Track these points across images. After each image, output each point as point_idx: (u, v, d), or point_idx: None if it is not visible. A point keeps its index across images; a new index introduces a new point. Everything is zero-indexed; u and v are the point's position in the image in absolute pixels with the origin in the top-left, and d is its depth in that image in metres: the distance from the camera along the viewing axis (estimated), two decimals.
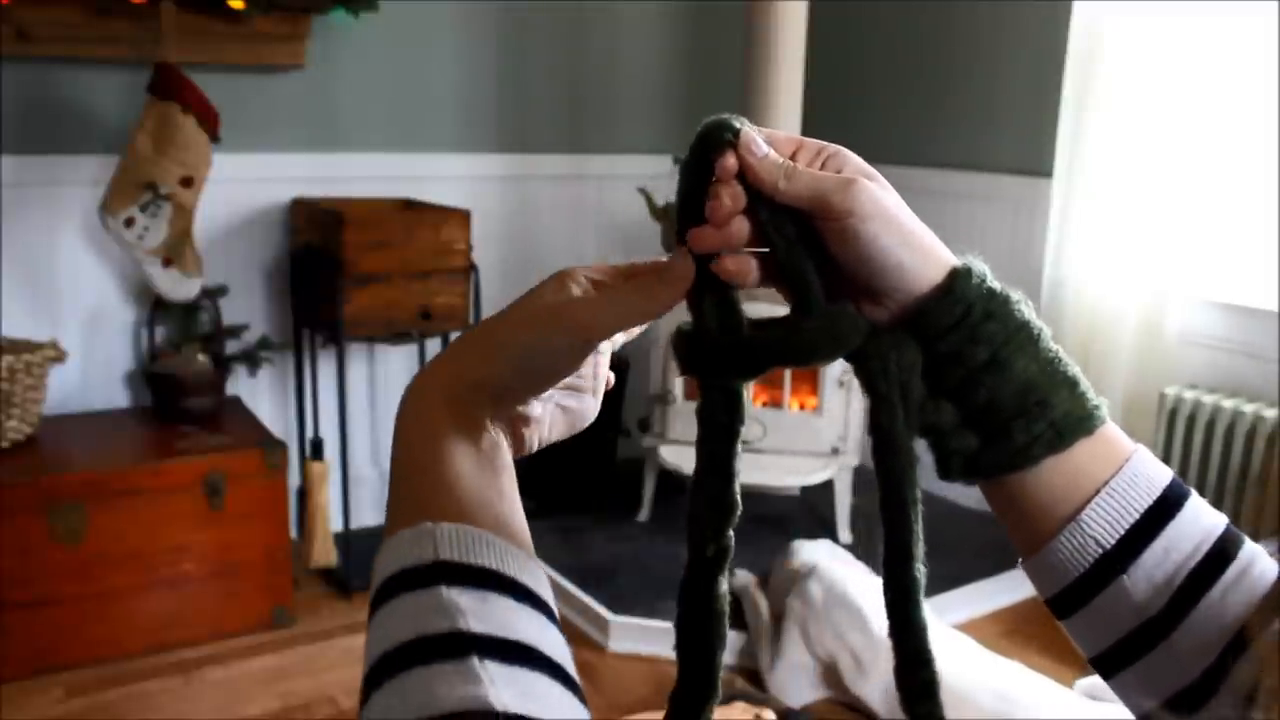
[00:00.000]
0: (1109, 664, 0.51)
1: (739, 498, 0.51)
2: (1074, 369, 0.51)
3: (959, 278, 0.50)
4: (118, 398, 2.80)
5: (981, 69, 3.01)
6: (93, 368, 2.76)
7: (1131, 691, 0.51)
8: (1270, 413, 2.25)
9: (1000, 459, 0.49)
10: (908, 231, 0.50)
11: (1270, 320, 2.35)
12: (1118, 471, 0.50)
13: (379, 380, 3.14)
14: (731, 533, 0.51)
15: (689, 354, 0.52)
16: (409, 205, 2.95)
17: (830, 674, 2.30)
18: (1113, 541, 0.49)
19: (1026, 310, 0.51)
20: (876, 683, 2.23)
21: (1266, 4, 2.32)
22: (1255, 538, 2.23)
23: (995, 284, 0.51)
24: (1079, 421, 0.49)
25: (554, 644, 0.43)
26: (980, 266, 0.52)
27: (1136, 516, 0.49)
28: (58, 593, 2.34)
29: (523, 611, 0.43)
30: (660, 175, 3.11)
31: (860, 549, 2.70)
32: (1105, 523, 0.49)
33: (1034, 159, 2.79)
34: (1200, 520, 0.50)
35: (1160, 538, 0.49)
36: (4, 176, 2.56)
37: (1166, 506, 0.49)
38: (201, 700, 2.31)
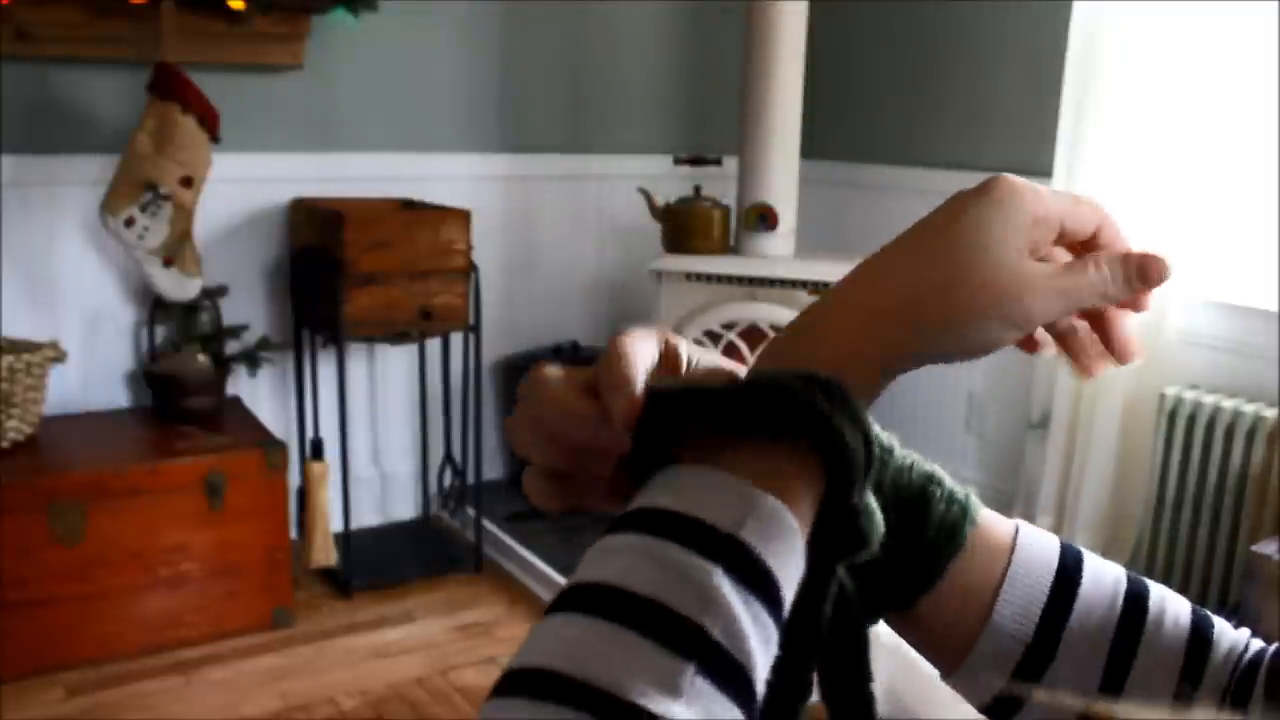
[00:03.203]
0: None
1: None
2: (929, 464, 0.48)
3: None
4: (118, 398, 2.80)
5: (981, 69, 3.00)
6: (93, 368, 2.76)
7: None
8: (1270, 413, 2.25)
9: (909, 584, 0.47)
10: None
11: (1270, 320, 2.35)
12: (1011, 556, 0.47)
13: (379, 380, 3.14)
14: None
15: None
16: (409, 205, 2.95)
17: None
18: (1031, 633, 0.47)
19: (867, 421, 0.47)
20: (876, 683, 2.22)
21: (1267, 4, 2.32)
22: (1255, 538, 2.21)
23: (823, 404, 0.48)
24: (962, 515, 0.47)
25: (765, 665, 0.37)
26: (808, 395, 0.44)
27: (1045, 598, 0.47)
28: (57, 593, 2.34)
29: (768, 629, 0.37)
30: (660, 175, 3.11)
31: None
32: (1019, 615, 0.47)
33: (1033, 159, 2.79)
34: (1102, 577, 0.48)
35: (1074, 612, 0.47)
36: (4, 176, 2.56)
37: (1067, 579, 0.47)
38: (201, 700, 2.31)
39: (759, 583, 0.36)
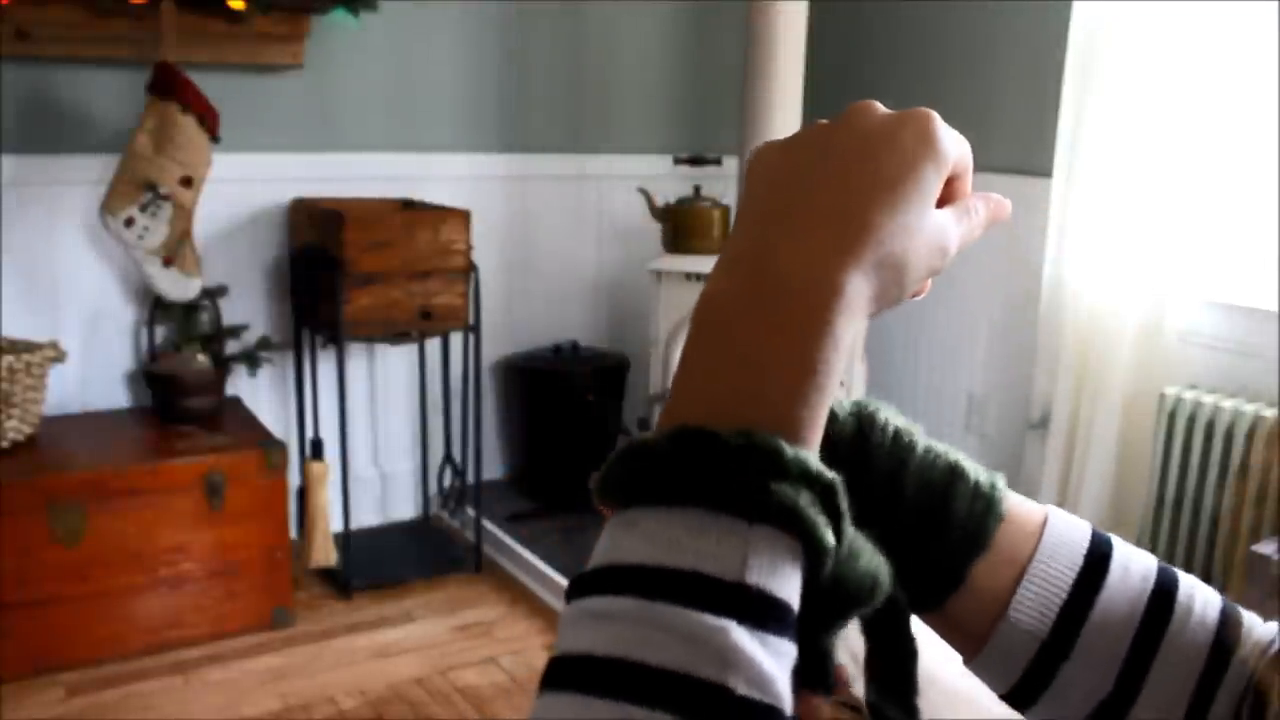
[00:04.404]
0: None
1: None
2: (954, 454, 0.47)
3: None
4: (118, 398, 2.80)
5: (981, 69, 3.00)
6: (93, 368, 2.76)
7: None
8: (1270, 413, 2.25)
9: (937, 586, 0.46)
10: None
11: (1270, 320, 2.35)
12: (1037, 547, 0.46)
13: (379, 380, 3.14)
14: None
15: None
16: (409, 205, 2.95)
17: None
18: (1047, 630, 0.46)
19: (894, 415, 0.47)
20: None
21: (1267, 4, 2.32)
22: (1255, 538, 2.21)
23: (847, 403, 0.47)
24: (987, 511, 0.46)
25: (789, 683, 0.36)
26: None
27: (1065, 594, 0.46)
28: (58, 593, 2.34)
29: (788, 653, 0.36)
30: (660, 175, 3.11)
31: None
32: (1036, 611, 0.46)
33: (1033, 159, 2.79)
34: (1130, 573, 0.47)
35: (1095, 609, 0.46)
36: (4, 176, 2.56)
37: (1093, 573, 0.46)
38: (201, 700, 2.31)
39: (774, 617, 0.35)
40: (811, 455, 0.37)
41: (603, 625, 0.35)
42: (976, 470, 0.47)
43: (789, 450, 0.36)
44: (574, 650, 0.35)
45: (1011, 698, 0.48)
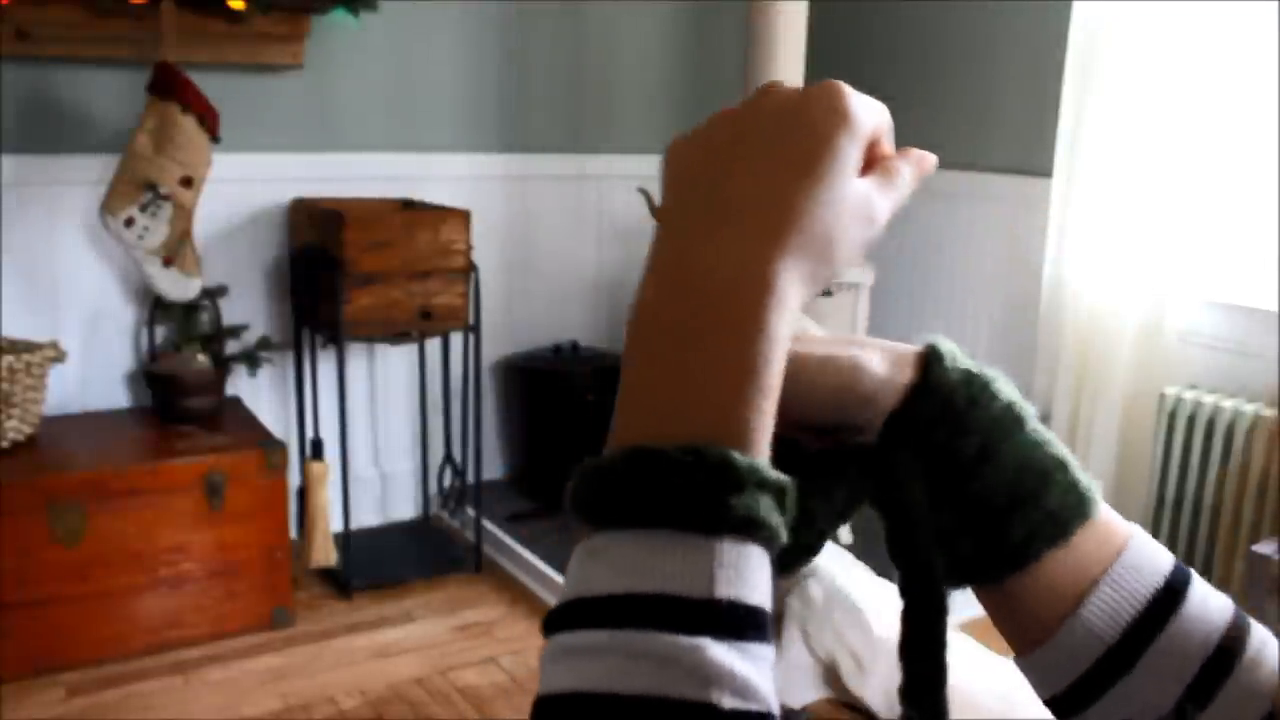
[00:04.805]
0: None
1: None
2: (1063, 449, 0.47)
3: (932, 365, 0.46)
4: (118, 398, 2.80)
5: (980, 69, 3.00)
6: (93, 368, 2.76)
7: None
8: (1270, 413, 2.25)
9: (1000, 560, 0.45)
10: (847, 363, 0.45)
11: (1270, 320, 2.35)
12: (1117, 558, 0.46)
13: (379, 380, 3.14)
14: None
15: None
16: (409, 205, 2.95)
17: (830, 674, 2.30)
18: (1116, 637, 0.45)
19: (1008, 389, 0.47)
20: (877, 683, 2.22)
21: (1268, 4, 2.32)
22: (1255, 538, 2.21)
23: (970, 363, 0.47)
24: (1077, 507, 0.46)
25: (772, 680, 0.37)
26: (949, 346, 0.47)
27: (1140, 607, 0.45)
28: (58, 593, 2.34)
29: (768, 654, 0.36)
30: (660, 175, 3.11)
31: (861, 549, 2.69)
32: (1108, 616, 0.45)
33: (1033, 159, 2.79)
34: (1208, 607, 0.46)
35: (1167, 630, 0.45)
36: (4, 176, 2.56)
37: (1171, 594, 0.46)
38: (201, 700, 2.31)
39: (748, 624, 0.35)
40: (762, 459, 0.37)
41: (581, 661, 0.35)
42: (1080, 470, 0.47)
43: (739, 460, 0.36)
44: (557, 690, 0.35)
45: (1057, 703, 0.47)
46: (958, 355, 0.47)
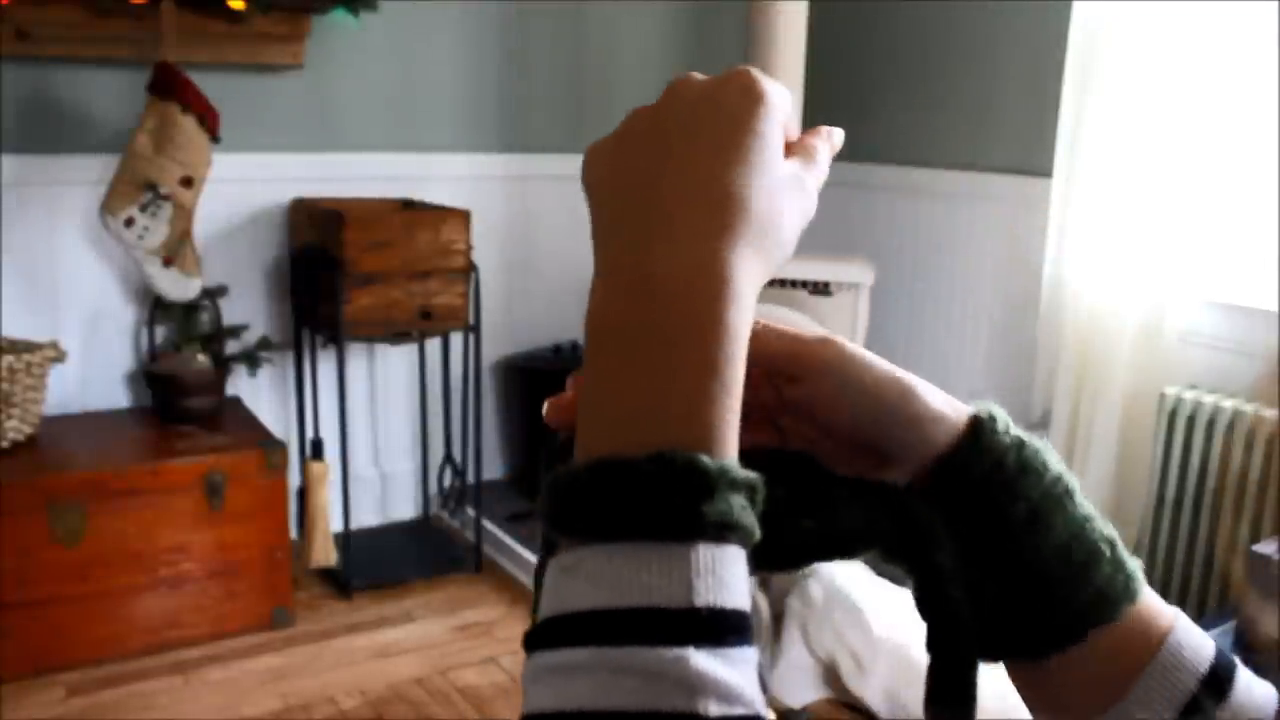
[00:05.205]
0: None
1: None
2: (1110, 527, 0.46)
3: (983, 426, 0.45)
4: (118, 398, 2.80)
5: (980, 69, 3.00)
6: (93, 368, 2.76)
7: None
8: (1270, 413, 2.25)
9: (1047, 635, 0.44)
10: (906, 383, 0.46)
11: (1270, 320, 2.35)
12: (1163, 643, 0.45)
13: (379, 380, 3.14)
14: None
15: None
16: (409, 205, 2.95)
17: (830, 674, 2.30)
18: None
19: (1056, 460, 0.47)
20: (876, 683, 2.22)
21: (1268, 4, 2.32)
22: (1255, 538, 2.21)
23: (1020, 432, 0.47)
24: (1126, 587, 0.45)
25: (760, 695, 0.36)
26: (1002, 414, 0.47)
27: (1187, 697, 0.44)
28: (58, 593, 2.34)
29: (752, 656, 0.36)
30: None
31: None
32: (1155, 704, 0.44)
33: (1033, 159, 2.79)
34: (1253, 695, 0.45)
35: (1219, 715, 0.44)
36: (4, 176, 2.56)
37: (1217, 681, 0.45)
38: (201, 700, 2.31)
39: (729, 629, 0.35)
40: (730, 459, 0.37)
41: (565, 680, 0.35)
42: (1123, 548, 0.46)
43: (709, 464, 0.36)
44: (542, 710, 0.35)
45: None
46: (1010, 423, 0.46)
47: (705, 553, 0.35)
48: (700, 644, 0.34)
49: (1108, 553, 0.45)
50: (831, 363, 0.45)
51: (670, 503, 0.35)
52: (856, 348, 0.46)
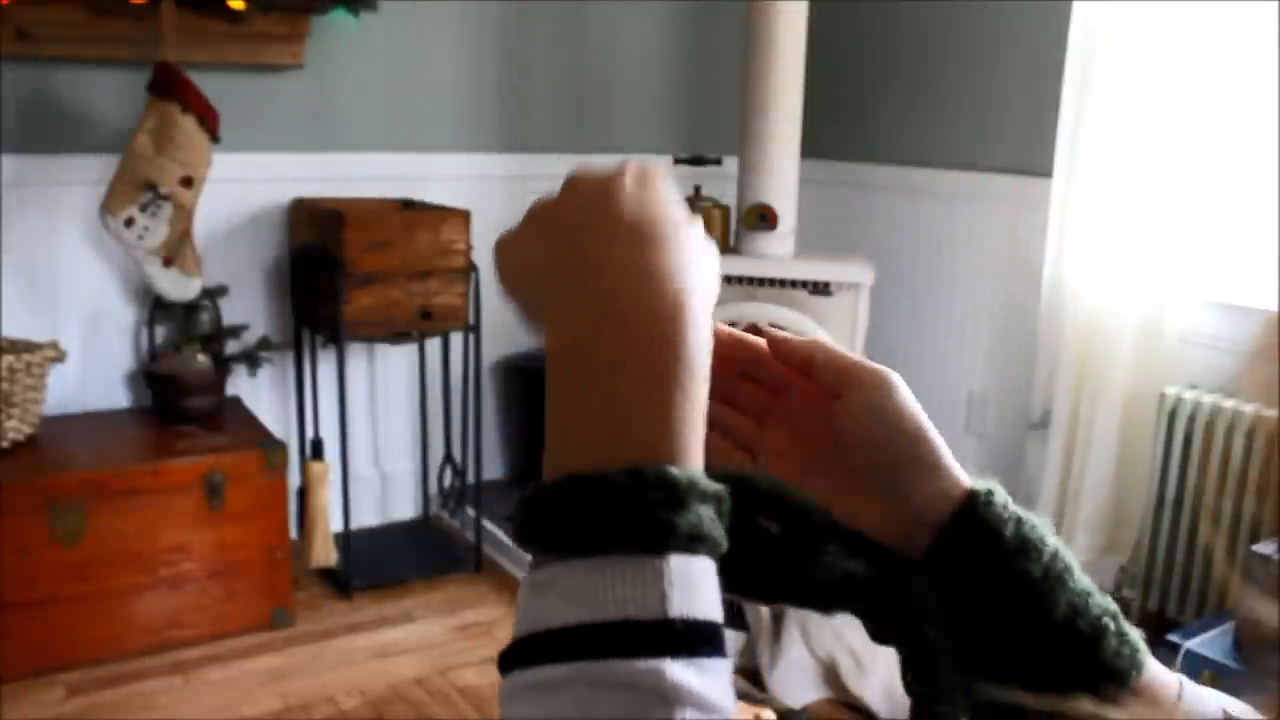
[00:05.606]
0: None
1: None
2: (1109, 600, 0.46)
3: (981, 497, 0.46)
4: (118, 398, 2.80)
5: (980, 69, 3.00)
6: (93, 368, 2.76)
7: None
8: (1270, 413, 2.25)
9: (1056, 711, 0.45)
10: (934, 435, 0.47)
11: (1270, 320, 2.35)
12: (1174, 711, 0.45)
13: (379, 380, 3.14)
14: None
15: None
16: (409, 205, 2.95)
17: (830, 674, 2.30)
18: None
19: (1053, 535, 0.47)
20: (876, 683, 2.23)
21: (1268, 4, 2.32)
22: (1255, 538, 2.21)
23: (1018, 509, 0.47)
24: (1132, 658, 0.45)
25: (732, 701, 0.38)
26: (1001, 492, 0.47)
27: None
28: (58, 593, 2.34)
29: (725, 667, 0.37)
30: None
31: None
32: None
33: (1033, 159, 2.79)
34: None
35: None
36: (4, 176, 2.56)
37: None
38: (201, 700, 2.31)
39: (703, 640, 0.36)
40: (697, 471, 0.38)
41: (544, 697, 0.35)
42: (1123, 619, 0.46)
43: (679, 476, 0.37)
44: None
45: None
46: (1009, 500, 0.47)
47: (678, 564, 0.36)
48: (676, 655, 0.35)
49: (1112, 626, 0.45)
50: (883, 385, 0.46)
51: (643, 515, 0.36)
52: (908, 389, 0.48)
